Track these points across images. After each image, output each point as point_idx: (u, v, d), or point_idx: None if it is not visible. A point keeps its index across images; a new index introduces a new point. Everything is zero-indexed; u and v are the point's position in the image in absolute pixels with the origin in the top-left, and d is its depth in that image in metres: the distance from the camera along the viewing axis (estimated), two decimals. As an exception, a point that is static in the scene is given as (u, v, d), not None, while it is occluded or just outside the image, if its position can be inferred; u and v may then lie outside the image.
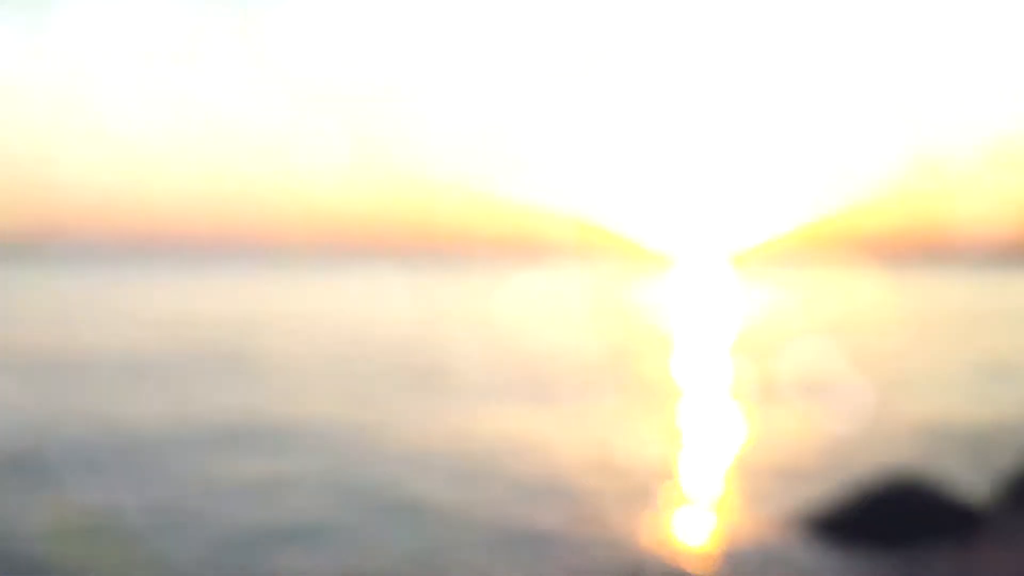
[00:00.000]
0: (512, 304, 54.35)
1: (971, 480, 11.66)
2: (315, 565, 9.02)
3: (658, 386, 22.11)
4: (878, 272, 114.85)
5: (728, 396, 20.81)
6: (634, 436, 15.77)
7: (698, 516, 10.87)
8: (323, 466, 13.06)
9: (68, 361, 24.56)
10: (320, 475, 12.55)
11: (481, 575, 8.90)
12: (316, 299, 58.47)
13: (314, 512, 10.81)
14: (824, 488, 11.45)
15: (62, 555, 9.15)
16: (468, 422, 16.58)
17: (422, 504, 11.15)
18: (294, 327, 36.36)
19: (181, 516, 10.52)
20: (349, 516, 10.66)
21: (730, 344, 32.48)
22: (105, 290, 63.89)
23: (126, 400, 18.28)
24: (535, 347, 29.84)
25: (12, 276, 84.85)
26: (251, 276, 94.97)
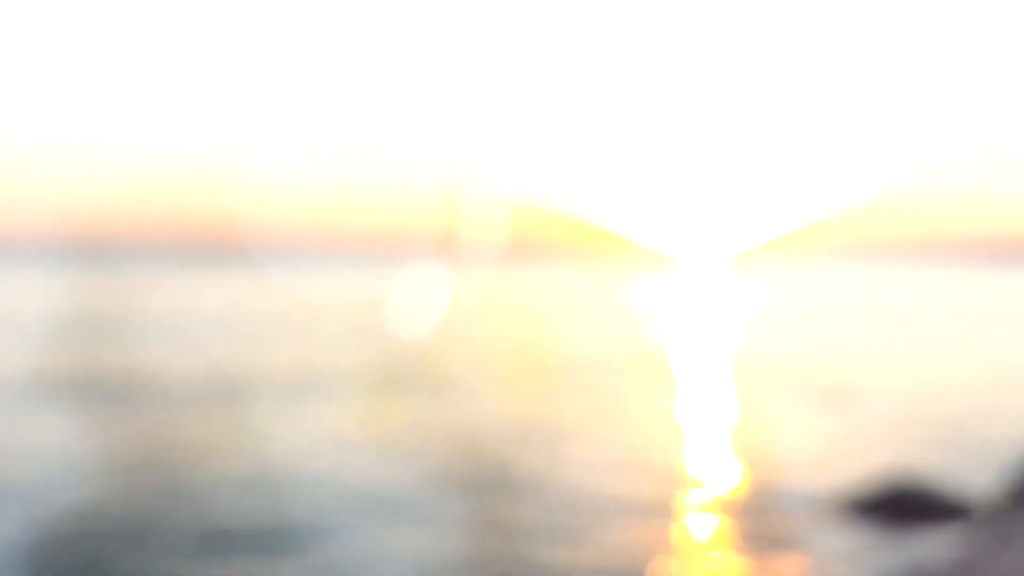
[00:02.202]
0: (510, 303, 54.29)
1: (973, 479, 11.75)
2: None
3: (662, 387, 22.16)
4: (880, 272, 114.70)
5: (734, 395, 20.87)
6: (641, 435, 15.86)
7: (708, 513, 10.95)
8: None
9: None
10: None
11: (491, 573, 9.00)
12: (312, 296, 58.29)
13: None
14: (828, 487, 11.54)
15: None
16: (464, 416, 16.68)
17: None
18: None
19: None
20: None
21: (732, 345, 32.50)
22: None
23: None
24: (534, 346, 29.87)
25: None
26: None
